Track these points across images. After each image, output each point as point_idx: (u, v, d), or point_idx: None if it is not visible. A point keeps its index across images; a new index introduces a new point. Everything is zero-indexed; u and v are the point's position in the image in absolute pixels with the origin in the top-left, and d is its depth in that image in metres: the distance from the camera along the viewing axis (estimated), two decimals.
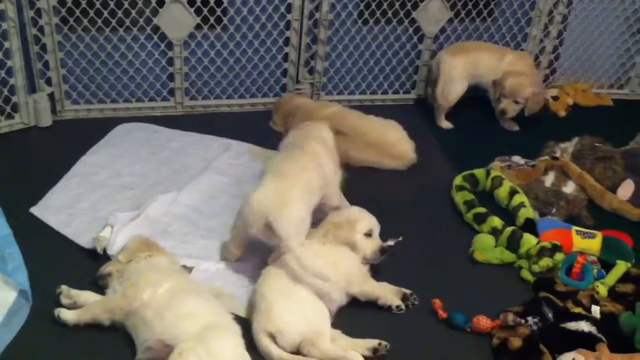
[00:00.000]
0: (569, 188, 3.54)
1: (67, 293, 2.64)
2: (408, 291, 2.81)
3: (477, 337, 2.67)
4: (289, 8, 4.14)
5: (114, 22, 3.91)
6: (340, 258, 2.81)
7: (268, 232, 2.73)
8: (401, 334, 2.62)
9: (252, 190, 2.86)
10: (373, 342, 2.49)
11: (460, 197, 3.48)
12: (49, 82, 4.00)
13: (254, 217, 2.74)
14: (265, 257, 2.84)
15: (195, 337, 2.27)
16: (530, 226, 3.29)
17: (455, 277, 3.05)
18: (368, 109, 4.19)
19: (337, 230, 2.86)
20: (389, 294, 2.79)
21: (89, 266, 2.87)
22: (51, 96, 4.02)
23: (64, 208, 3.26)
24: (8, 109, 3.92)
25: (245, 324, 2.54)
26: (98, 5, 3.83)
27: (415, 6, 4.39)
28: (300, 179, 2.89)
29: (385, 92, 4.70)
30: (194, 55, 4.17)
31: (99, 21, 3.89)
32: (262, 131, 4.17)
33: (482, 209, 3.37)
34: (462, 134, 4.31)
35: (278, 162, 3.05)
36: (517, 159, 3.83)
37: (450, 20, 4.51)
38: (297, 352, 2.48)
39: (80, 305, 2.60)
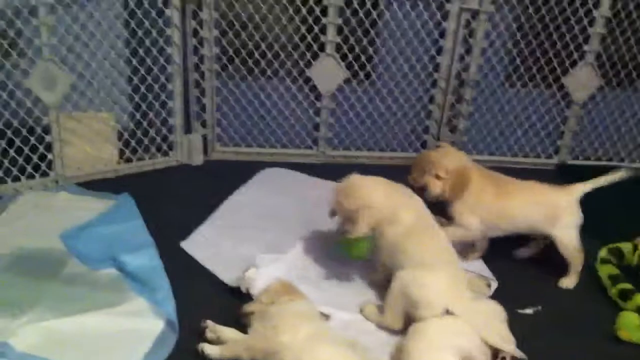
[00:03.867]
0: None
1: (213, 328, 2.73)
2: None
3: None
4: (437, 67, 4.22)
5: (269, 71, 4.12)
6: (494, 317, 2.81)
7: None
8: None
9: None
10: None
11: (604, 271, 3.36)
12: (203, 124, 4.25)
13: (431, 306, 2.75)
14: None
15: None
16: None
17: (597, 354, 2.92)
18: (506, 171, 4.14)
19: None
20: None
21: (232, 304, 2.96)
22: (204, 137, 4.27)
23: (210, 245, 3.42)
24: (165, 146, 4.19)
25: None
26: (257, 55, 4.06)
27: (565, 71, 4.34)
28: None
29: (526, 155, 4.64)
30: (340, 107, 4.31)
31: (256, 70, 4.12)
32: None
33: (628, 285, 3.23)
34: (606, 204, 4.17)
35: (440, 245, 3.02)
36: None
37: (600, 88, 4.42)
38: None
39: (223, 341, 2.68)
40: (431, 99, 4.36)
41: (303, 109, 4.31)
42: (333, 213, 3.15)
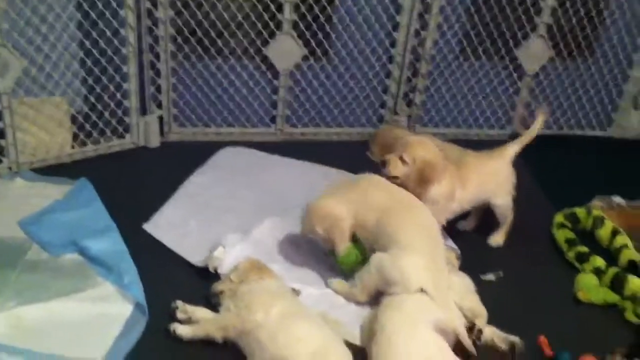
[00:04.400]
0: None
1: (183, 308, 2.74)
2: (517, 339, 2.73)
3: None
4: (393, 43, 4.25)
5: (226, 51, 4.09)
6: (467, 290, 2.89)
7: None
8: None
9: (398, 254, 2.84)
10: None
11: (561, 235, 3.47)
12: (159, 105, 4.20)
13: (406, 286, 2.74)
14: None
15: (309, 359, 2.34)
16: (633, 268, 3.24)
17: (558, 316, 3.02)
18: (462, 143, 4.21)
19: None
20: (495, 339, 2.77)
21: (200, 284, 2.97)
22: (160, 118, 4.22)
23: (174, 226, 3.40)
24: (121, 129, 4.13)
25: (352, 350, 2.58)
26: (213, 34, 4.02)
27: (517, 44, 4.42)
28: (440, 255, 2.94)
29: (480, 127, 4.73)
30: (298, 85, 4.31)
31: (213, 49, 4.08)
32: (359, 161, 4.21)
33: (584, 248, 3.34)
34: (559, 172, 4.30)
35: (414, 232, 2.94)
36: (618, 199, 3.80)
37: (551, 59, 4.52)
38: None
39: (194, 321, 2.69)
40: (388, 74, 4.39)
41: (261, 87, 4.29)
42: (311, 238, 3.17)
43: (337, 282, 3.04)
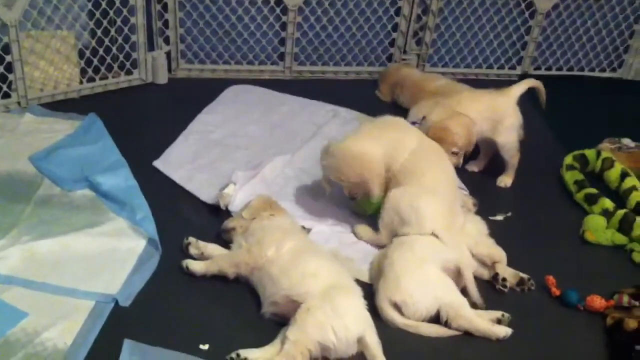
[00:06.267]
0: None
1: (196, 244, 2.76)
2: (526, 276, 2.79)
3: (589, 315, 2.68)
4: None
5: None
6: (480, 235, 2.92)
7: None
8: (512, 308, 2.63)
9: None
10: (496, 314, 2.55)
11: (570, 177, 3.48)
12: (167, 40, 4.15)
13: (420, 227, 2.75)
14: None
15: (321, 295, 2.36)
16: None
17: (566, 256, 3.05)
18: (472, 83, 4.18)
19: None
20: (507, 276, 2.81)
21: (211, 220, 3.00)
22: (167, 54, 4.18)
23: (184, 163, 3.41)
24: (128, 65, 4.09)
25: (363, 287, 2.61)
26: None
27: None
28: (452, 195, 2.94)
29: (490, 67, 4.68)
30: (306, 21, 4.25)
31: None
32: (367, 99, 4.24)
33: (593, 190, 3.36)
34: (569, 113, 4.28)
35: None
36: (627, 141, 3.79)
37: None
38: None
39: (206, 257, 2.72)
40: (397, 11, 4.32)
41: (269, 24, 4.23)
42: (329, 183, 3.05)
43: (362, 228, 3.02)
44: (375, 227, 2.95)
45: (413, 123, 3.32)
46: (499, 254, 2.84)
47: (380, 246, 2.91)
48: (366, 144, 2.95)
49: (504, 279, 2.74)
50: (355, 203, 3.07)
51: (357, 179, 2.94)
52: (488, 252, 2.83)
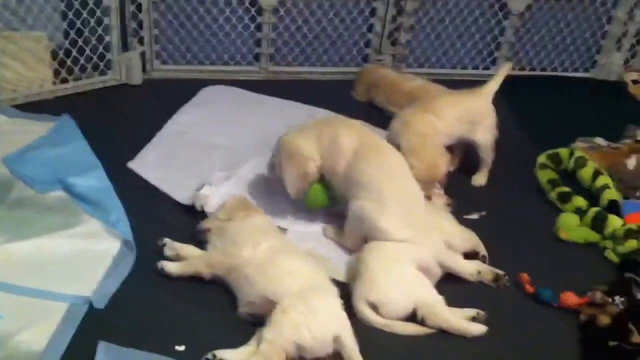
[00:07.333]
0: None
1: (171, 245, 2.75)
2: (501, 272, 2.82)
3: (563, 313, 2.71)
4: None
5: None
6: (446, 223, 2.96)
7: None
8: (486, 306, 2.65)
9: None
10: (471, 312, 2.57)
11: (543, 176, 3.51)
12: (141, 41, 4.13)
13: (391, 237, 2.73)
14: None
15: (297, 294, 2.36)
16: (614, 208, 3.30)
17: (539, 254, 3.08)
18: (447, 83, 4.20)
19: None
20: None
21: (186, 221, 2.98)
22: (142, 55, 4.16)
23: (159, 165, 3.39)
24: (102, 65, 4.06)
25: (339, 286, 2.60)
26: None
27: None
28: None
29: (464, 67, 4.72)
30: (282, 22, 4.25)
31: None
32: (343, 100, 4.24)
33: (566, 188, 3.39)
34: (542, 113, 4.32)
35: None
36: (599, 140, 3.83)
37: None
38: None
39: (182, 258, 2.71)
40: (372, 12, 4.34)
41: (244, 24, 4.23)
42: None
43: (330, 229, 3.03)
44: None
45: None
46: (473, 239, 2.93)
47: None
48: (300, 140, 2.96)
49: (506, 276, 2.81)
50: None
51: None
52: (462, 237, 2.92)
